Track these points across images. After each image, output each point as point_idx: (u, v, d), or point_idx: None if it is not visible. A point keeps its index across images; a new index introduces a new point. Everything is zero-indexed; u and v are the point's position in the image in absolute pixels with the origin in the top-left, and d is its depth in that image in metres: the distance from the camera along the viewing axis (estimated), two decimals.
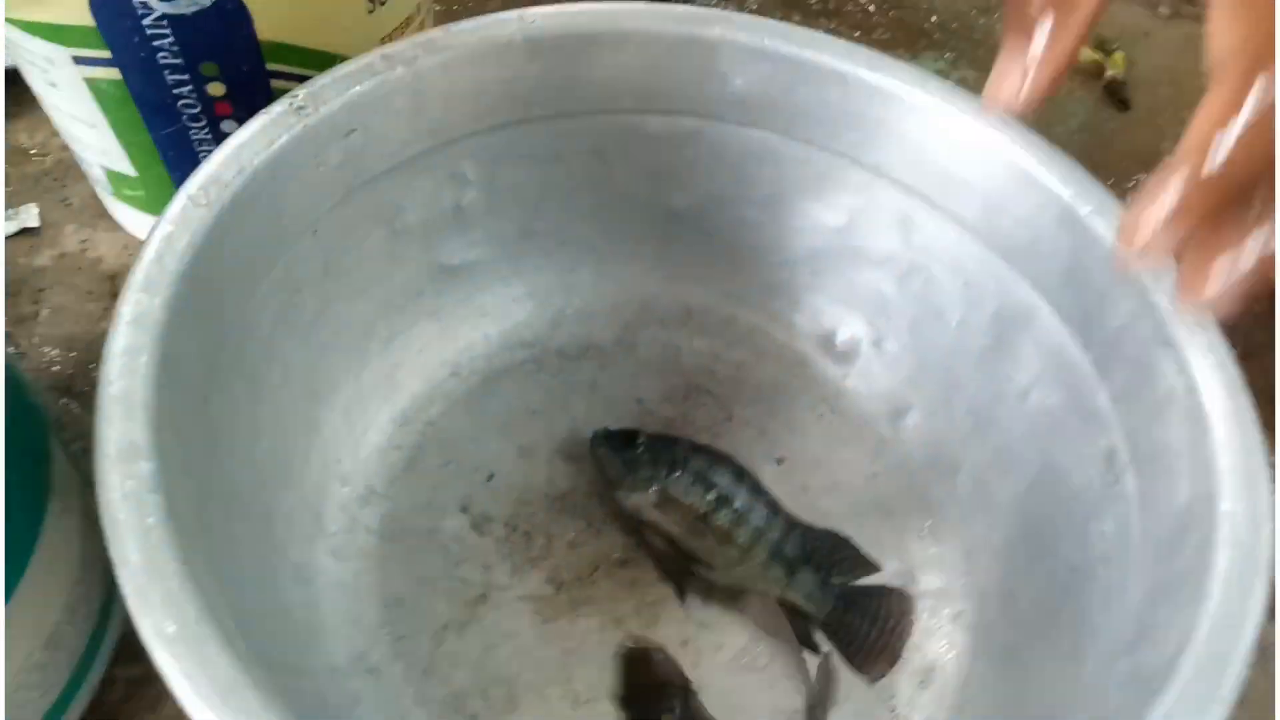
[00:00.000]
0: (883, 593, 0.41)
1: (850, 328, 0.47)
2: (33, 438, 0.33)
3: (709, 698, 0.39)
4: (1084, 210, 0.34)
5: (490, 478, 0.45)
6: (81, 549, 0.35)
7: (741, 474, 0.42)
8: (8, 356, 0.32)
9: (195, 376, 0.30)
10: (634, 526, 0.43)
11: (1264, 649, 0.27)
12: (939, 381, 0.44)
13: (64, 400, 0.46)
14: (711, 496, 0.41)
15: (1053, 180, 0.35)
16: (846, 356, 0.47)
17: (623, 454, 0.42)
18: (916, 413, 0.45)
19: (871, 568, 0.41)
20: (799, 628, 0.41)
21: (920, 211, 0.40)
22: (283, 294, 0.37)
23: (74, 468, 0.37)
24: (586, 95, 0.41)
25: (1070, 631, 0.34)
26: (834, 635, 0.40)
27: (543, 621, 0.41)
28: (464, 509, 0.43)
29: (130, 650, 0.39)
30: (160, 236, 0.29)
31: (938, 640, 0.41)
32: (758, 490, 0.41)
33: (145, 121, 0.43)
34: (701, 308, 0.49)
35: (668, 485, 0.41)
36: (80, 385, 0.47)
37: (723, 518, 0.40)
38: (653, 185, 0.45)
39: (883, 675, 0.40)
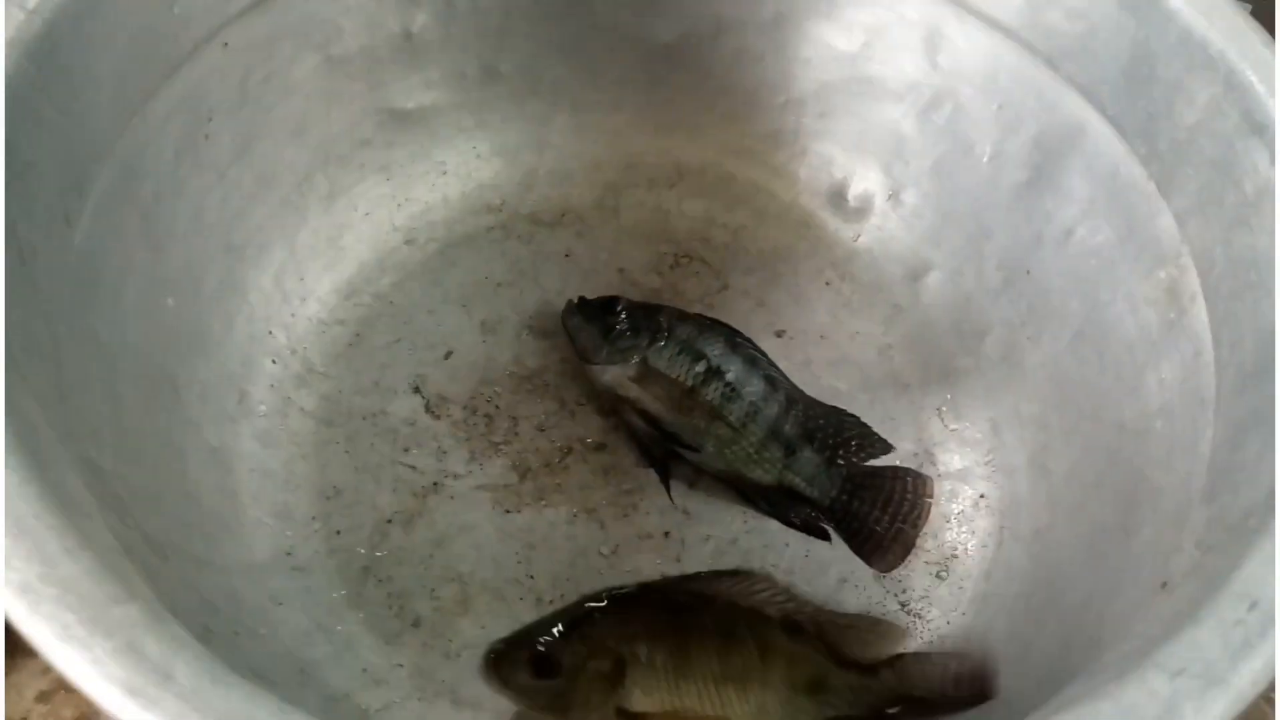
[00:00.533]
0: (895, 475, 0.35)
1: (864, 179, 0.40)
2: None
3: None
4: None
5: (448, 355, 0.39)
6: None
7: (735, 342, 0.36)
8: None
9: (49, 188, 0.24)
10: (612, 405, 0.37)
11: None
12: (965, 233, 0.38)
13: None
14: (700, 368, 0.35)
15: None
16: (859, 213, 0.41)
17: (598, 323, 0.37)
18: (938, 273, 0.39)
19: (883, 447, 0.36)
20: (801, 516, 0.35)
21: (949, 21, 0.34)
22: (188, 118, 0.31)
23: None
24: None
25: (1118, 501, 0.29)
26: (840, 523, 0.35)
27: (503, 513, 0.35)
28: (416, 389, 0.38)
29: None
30: None
31: (957, 527, 0.35)
32: (753, 361, 0.36)
33: None
34: (695, 164, 0.43)
35: (649, 356, 0.36)
36: None
37: (713, 392, 0.35)
38: (638, 9, 0.39)
39: (895, 566, 0.34)
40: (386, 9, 0.36)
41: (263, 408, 0.35)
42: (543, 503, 0.36)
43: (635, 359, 0.36)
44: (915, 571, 0.35)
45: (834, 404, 0.37)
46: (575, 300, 0.38)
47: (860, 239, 0.41)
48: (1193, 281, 0.27)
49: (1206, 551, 0.21)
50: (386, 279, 0.40)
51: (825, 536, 0.35)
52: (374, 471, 0.36)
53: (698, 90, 0.41)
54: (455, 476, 0.36)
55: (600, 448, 0.37)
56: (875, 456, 0.36)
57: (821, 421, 0.36)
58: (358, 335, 0.39)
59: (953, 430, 0.37)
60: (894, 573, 0.35)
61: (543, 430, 0.38)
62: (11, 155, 0.22)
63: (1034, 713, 0.17)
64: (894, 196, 0.40)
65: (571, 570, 0.34)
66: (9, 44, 0.23)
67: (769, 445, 0.35)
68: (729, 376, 0.35)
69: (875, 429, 0.36)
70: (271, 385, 0.36)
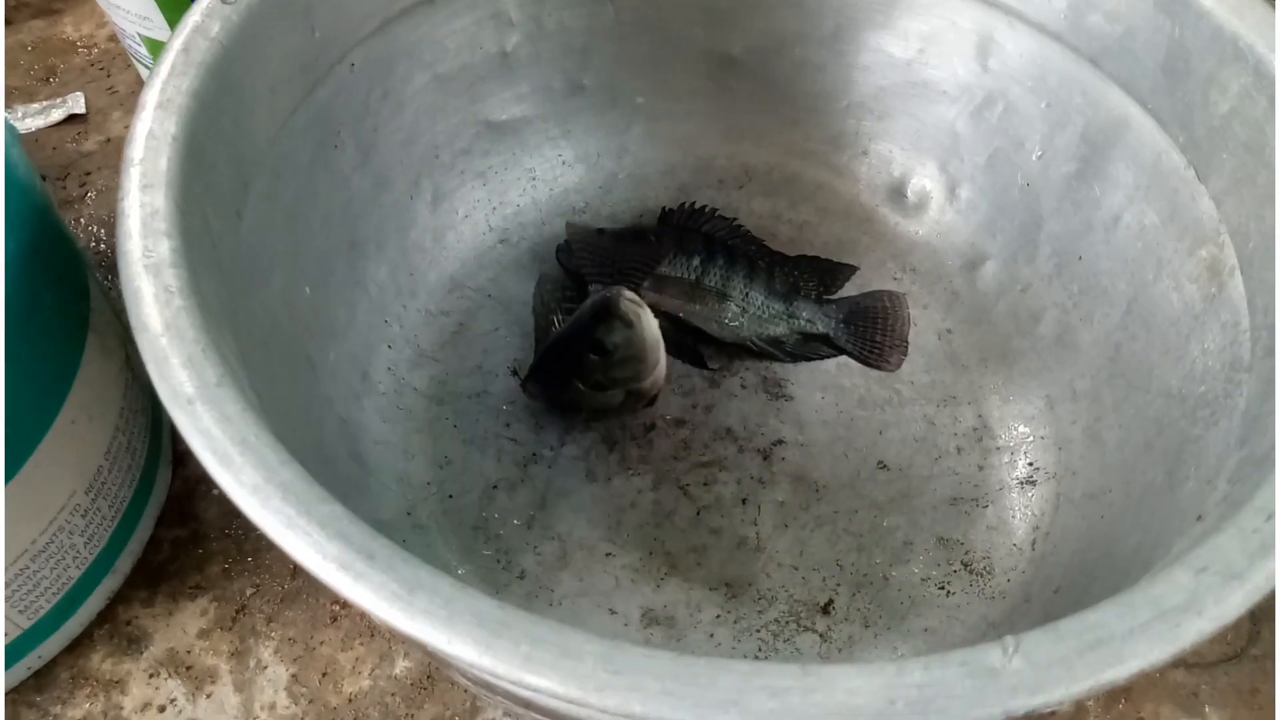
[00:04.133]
0: (875, 298, 0.43)
1: (921, 176, 0.43)
2: (71, 271, 0.32)
3: (774, 551, 0.37)
4: None
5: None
6: (122, 398, 0.35)
7: (711, 239, 0.43)
8: (46, 195, 0.32)
9: (226, 186, 0.29)
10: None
11: None
12: (1018, 223, 0.40)
13: (111, 280, 0.46)
14: (696, 262, 0.42)
15: None
16: (917, 208, 0.44)
17: (598, 253, 0.42)
18: (993, 261, 0.42)
19: (848, 271, 0.43)
20: (816, 351, 0.42)
21: (1000, 27, 0.37)
22: (321, 130, 0.36)
23: (117, 319, 0.36)
24: None
25: (1165, 461, 0.31)
26: (848, 345, 0.42)
27: (595, 481, 0.39)
28: (514, 372, 0.42)
29: (176, 513, 0.39)
30: (188, 29, 0.28)
31: (1016, 494, 0.38)
32: (730, 245, 0.43)
33: None
34: (762, 166, 0.47)
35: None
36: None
37: (713, 278, 0.42)
38: (708, 27, 0.42)
39: (900, 364, 0.41)
40: (486, 31, 0.40)
41: (382, 387, 0.40)
42: (630, 472, 0.39)
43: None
44: (976, 534, 0.38)
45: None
46: (563, 244, 0.44)
47: (919, 233, 0.44)
48: (1230, 257, 0.30)
49: (1235, 484, 0.24)
50: (485, 274, 0.44)
51: (851, 353, 0.42)
52: (480, 444, 0.40)
53: (764, 98, 0.45)
54: (551, 448, 0.40)
55: (680, 423, 0.41)
56: (848, 279, 0.44)
57: (797, 271, 0.43)
58: (461, 324, 0.43)
59: (1011, 406, 0.40)
60: (955, 537, 0.37)
61: None
62: (201, 157, 0.27)
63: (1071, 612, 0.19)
64: (951, 191, 0.43)
65: (657, 531, 0.38)
66: (199, 65, 0.27)
67: (770, 304, 0.42)
68: (720, 261, 0.42)
69: (832, 259, 0.44)
70: (389, 368, 0.40)
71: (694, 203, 0.44)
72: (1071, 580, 0.34)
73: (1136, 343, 0.35)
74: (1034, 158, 0.39)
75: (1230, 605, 0.19)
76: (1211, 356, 0.30)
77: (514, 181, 0.45)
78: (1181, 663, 0.37)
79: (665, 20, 0.42)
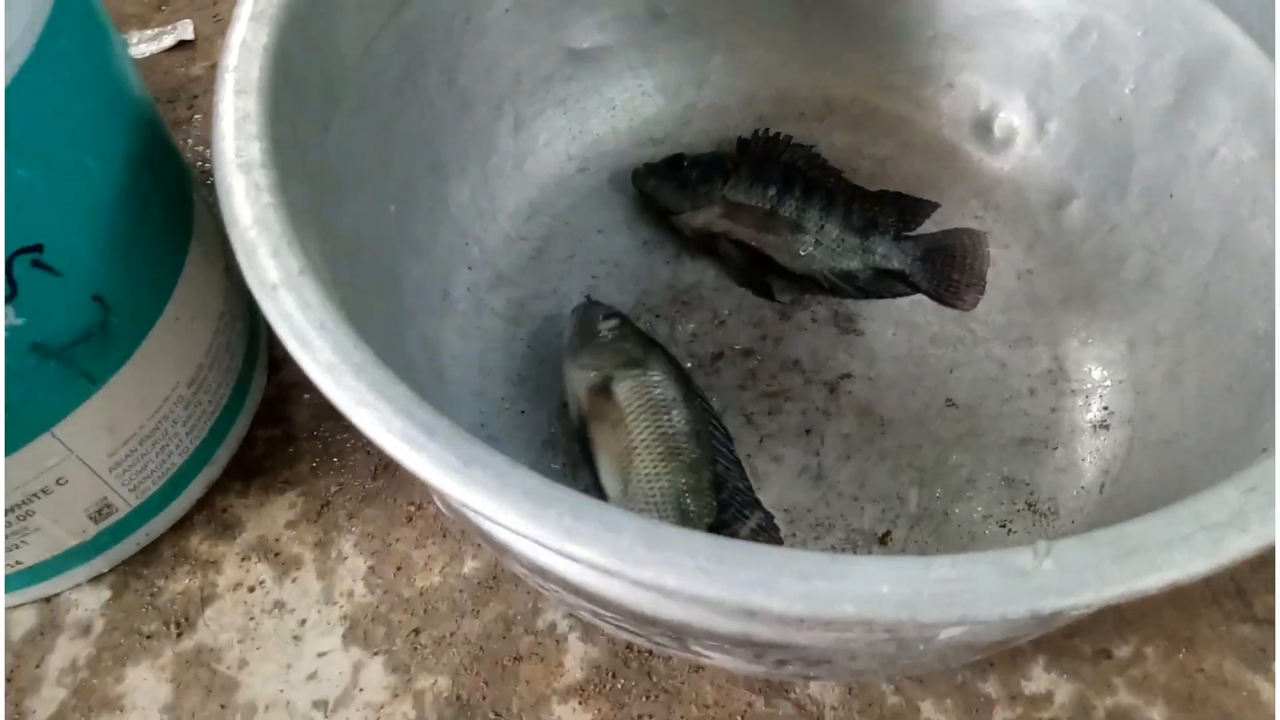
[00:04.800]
0: (953, 235, 0.42)
1: (1008, 109, 0.42)
2: (178, 182, 0.35)
3: (834, 481, 0.38)
4: None
5: (616, 268, 0.44)
6: (222, 302, 0.37)
7: (789, 169, 0.42)
8: (157, 113, 0.34)
9: (314, 97, 0.30)
10: (706, 244, 0.43)
11: None
12: (1109, 159, 0.39)
13: (211, 194, 0.48)
14: (772, 191, 0.42)
15: None
16: (1004, 143, 0.43)
17: (674, 179, 0.43)
18: (1081, 200, 0.41)
19: (930, 206, 0.42)
20: (890, 289, 0.42)
21: None
22: (407, 55, 0.37)
23: (218, 231, 0.39)
24: None
25: (1248, 405, 0.30)
26: (924, 283, 0.41)
27: None
28: (587, 298, 0.43)
29: (270, 414, 0.41)
30: None
31: (1090, 437, 0.37)
32: (809, 175, 0.43)
33: None
34: (843, 99, 0.46)
35: (727, 194, 0.42)
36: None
37: (788, 208, 0.42)
38: None
39: (976, 303, 0.41)
40: None
41: (461, 306, 0.41)
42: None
43: (717, 199, 0.42)
44: (1043, 475, 0.37)
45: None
46: (641, 167, 0.44)
47: (1005, 168, 0.43)
48: None
49: None
50: (563, 201, 0.45)
51: (921, 289, 0.42)
52: (552, 364, 0.41)
53: (846, 29, 0.44)
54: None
55: (748, 353, 0.41)
56: (928, 215, 0.43)
57: (876, 206, 0.42)
58: (539, 250, 0.44)
59: (1090, 349, 0.39)
60: (1021, 477, 0.37)
61: (695, 337, 0.42)
62: (290, 68, 0.28)
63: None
64: (1040, 125, 0.41)
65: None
66: None
67: (846, 237, 0.42)
68: (796, 192, 0.42)
69: (914, 195, 0.43)
70: (468, 289, 0.42)
71: (772, 130, 0.44)
72: None
73: (1227, 284, 0.34)
74: (1128, 90, 0.37)
75: (1275, 525, 0.19)
76: None
77: (594, 110, 0.46)
78: (1250, 617, 0.36)
79: None
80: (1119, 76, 0.37)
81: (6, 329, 0.27)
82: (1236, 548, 0.18)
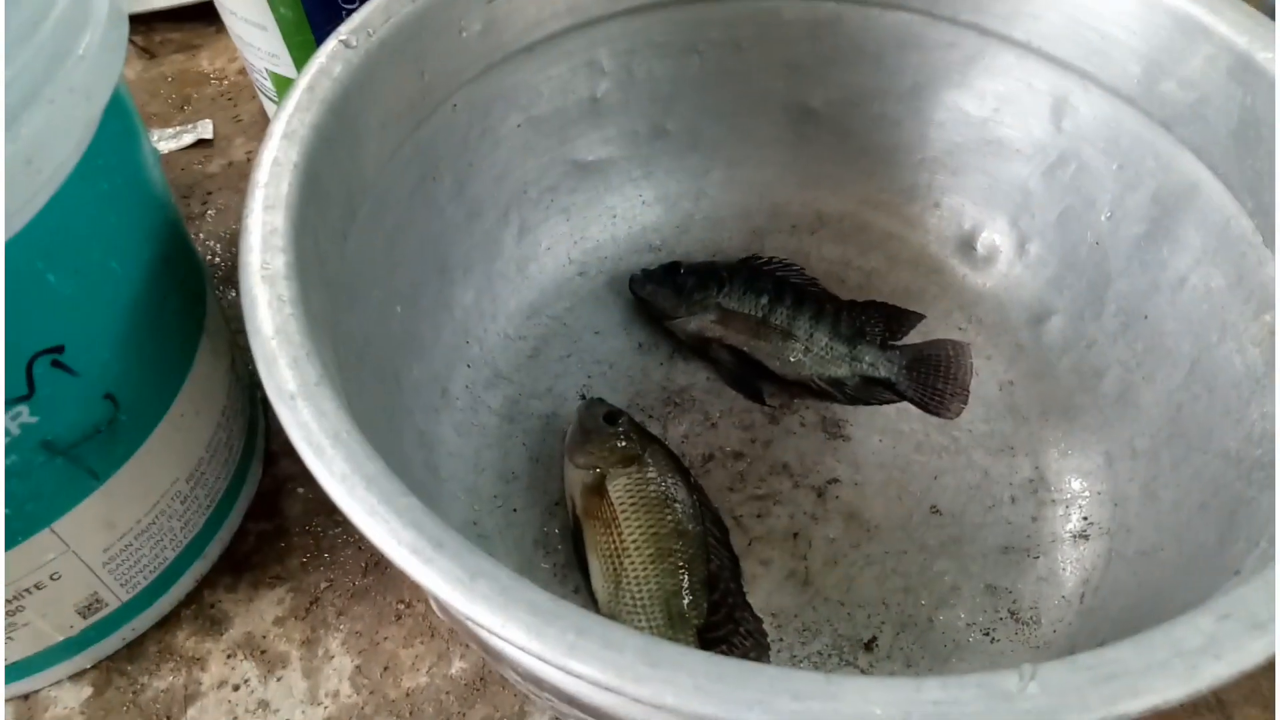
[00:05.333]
0: (939, 346, 0.43)
1: (992, 230, 0.44)
2: (193, 279, 0.36)
3: (821, 585, 0.38)
4: (1262, 56, 0.31)
5: (611, 368, 0.45)
6: (226, 397, 0.38)
7: (781, 281, 0.44)
8: (178, 214, 0.35)
9: (336, 210, 0.32)
10: (700, 348, 0.45)
11: None
12: (1087, 280, 0.41)
13: (222, 290, 0.50)
14: (764, 300, 0.44)
15: (1224, 27, 0.32)
16: (986, 261, 0.45)
17: (670, 285, 0.45)
18: (1060, 317, 0.42)
19: (915, 317, 0.44)
20: (876, 396, 0.43)
21: (1075, 90, 0.38)
22: (422, 164, 0.39)
23: (226, 326, 0.40)
24: None
25: (1219, 521, 0.31)
26: (909, 391, 0.43)
27: None
28: (583, 397, 0.44)
29: (263, 508, 0.42)
30: (314, 69, 0.31)
31: (1069, 547, 0.38)
32: (799, 286, 0.45)
33: (309, 18, 0.46)
34: (834, 214, 0.48)
35: (721, 301, 0.44)
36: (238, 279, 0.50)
37: (779, 316, 0.44)
38: (790, 80, 0.44)
39: (960, 412, 0.42)
40: (579, 77, 0.43)
41: (459, 403, 0.42)
42: None
43: (712, 306, 0.44)
44: (1025, 584, 0.38)
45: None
46: (639, 272, 0.46)
47: (987, 285, 0.45)
48: None
49: (1272, 543, 0.24)
50: (562, 303, 0.47)
51: (900, 399, 0.43)
52: (546, 462, 0.42)
53: (840, 149, 0.46)
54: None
55: (738, 455, 0.42)
56: (913, 326, 0.45)
57: (863, 316, 0.44)
58: (536, 349, 0.45)
59: (1069, 460, 0.40)
60: (1004, 585, 0.38)
61: (687, 438, 0.43)
62: (317, 183, 0.30)
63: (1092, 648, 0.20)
64: (1021, 245, 0.44)
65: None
66: (321, 101, 0.30)
67: (834, 345, 0.43)
68: (788, 301, 0.44)
69: (899, 305, 0.45)
70: (466, 386, 0.43)
71: (761, 257, 0.46)
72: (1117, 635, 0.33)
73: (1198, 404, 0.35)
74: (1104, 217, 0.39)
75: (1250, 653, 0.19)
76: (1270, 420, 0.31)
77: (595, 218, 0.48)
78: None
79: (749, 72, 0.45)
80: (1096, 205, 0.39)
81: (20, 427, 0.27)
82: (1211, 674, 0.19)
